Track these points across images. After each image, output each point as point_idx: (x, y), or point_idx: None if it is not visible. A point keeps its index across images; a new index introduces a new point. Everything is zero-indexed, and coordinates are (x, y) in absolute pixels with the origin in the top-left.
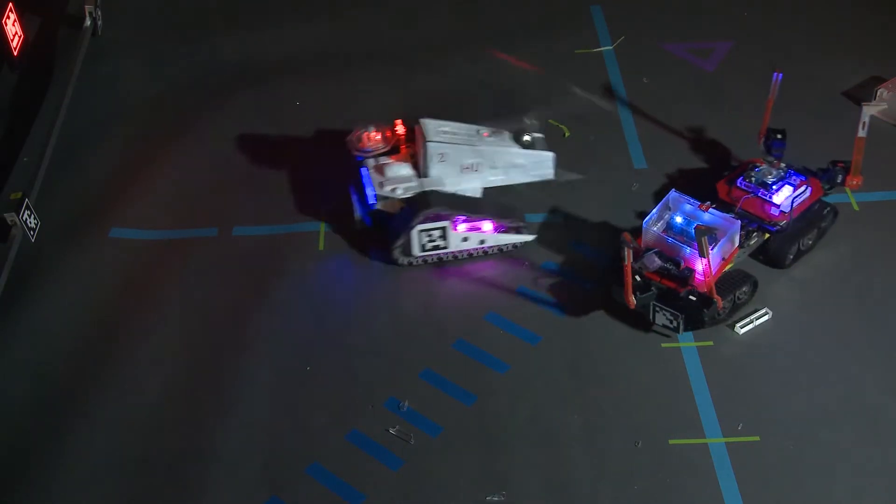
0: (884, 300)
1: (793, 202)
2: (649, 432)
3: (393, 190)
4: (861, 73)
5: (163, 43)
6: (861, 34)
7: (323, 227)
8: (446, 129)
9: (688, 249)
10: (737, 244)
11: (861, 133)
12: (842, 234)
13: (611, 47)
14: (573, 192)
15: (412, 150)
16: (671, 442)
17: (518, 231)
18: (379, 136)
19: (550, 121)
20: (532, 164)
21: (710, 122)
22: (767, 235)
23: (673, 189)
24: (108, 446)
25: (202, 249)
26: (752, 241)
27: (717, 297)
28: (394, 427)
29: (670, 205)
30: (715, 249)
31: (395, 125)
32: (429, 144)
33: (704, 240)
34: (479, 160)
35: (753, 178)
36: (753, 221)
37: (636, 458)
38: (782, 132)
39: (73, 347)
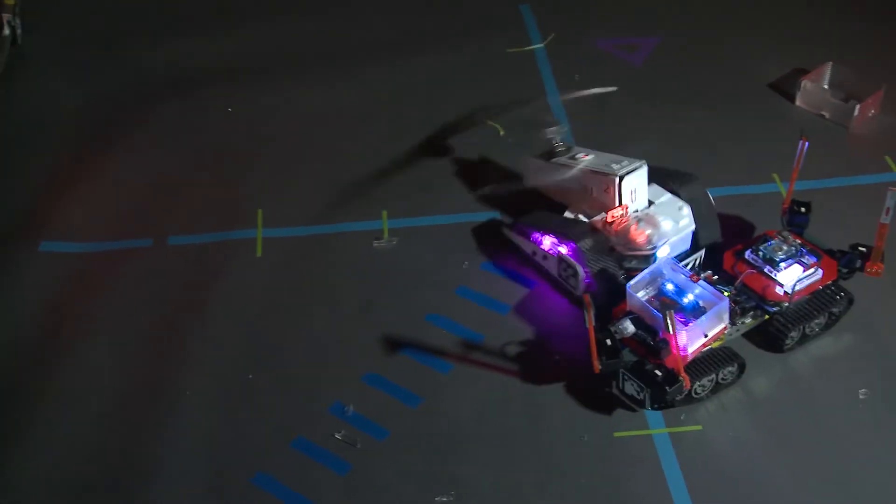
0: None
1: (798, 283)
2: (594, 426)
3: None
4: (785, 66)
5: (87, 51)
6: (785, 27)
7: (260, 233)
8: (611, 161)
9: (689, 322)
10: (725, 322)
11: (884, 219)
12: (773, 221)
13: (542, 45)
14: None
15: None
16: (616, 434)
17: None
18: (642, 233)
19: (487, 120)
20: None
21: (644, 114)
22: (767, 316)
23: (668, 257)
24: (45, 467)
25: (137, 260)
26: (748, 320)
27: (684, 376)
28: (339, 432)
29: (663, 271)
30: (692, 326)
31: (609, 214)
32: (644, 168)
33: (671, 314)
34: None
35: (762, 253)
36: (752, 299)
37: (582, 452)
38: (807, 205)
39: (4, 367)
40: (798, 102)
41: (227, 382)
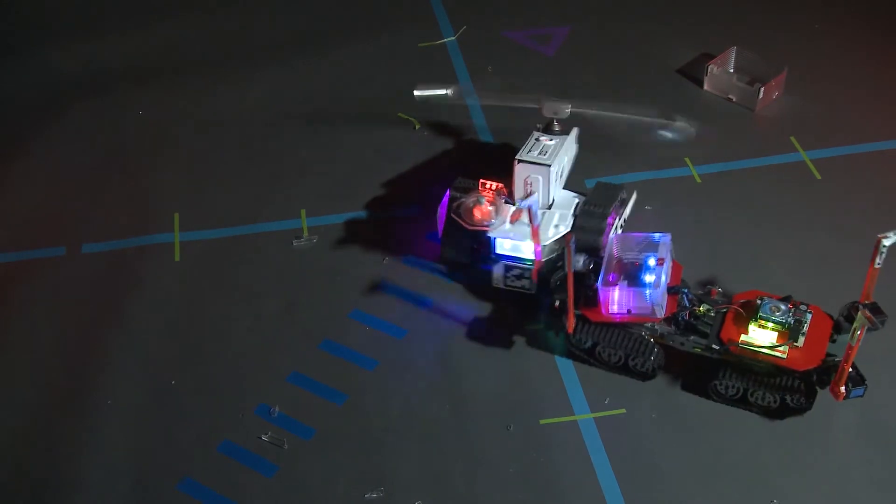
0: (726, 270)
1: (759, 344)
2: (520, 415)
3: (553, 233)
4: (692, 51)
5: None
6: (689, 13)
7: (177, 237)
8: (536, 150)
9: (617, 285)
10: (658, 315)
11: (878, 264)
12: (687, 203)
13: (454, 38)
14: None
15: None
16: (542, 422)
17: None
18: (490, 207)
19: (400, 114)
20: (572, 147)
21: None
22: (699, 349)
23: (668, 234)
24: None
25: (50, 270)
26: (692, 338)
27: (570, 319)
28: (266, 433)
29: (657, 246)
30: (618, 289)
31: (484, 184)
32: (550, 169)
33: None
34: (561, 166)
35: (763, 306)
36: (713, 329)
37: (509, 441)
38: (878, 314)
39: None
40: (706, 87)
41: (149, 389)
